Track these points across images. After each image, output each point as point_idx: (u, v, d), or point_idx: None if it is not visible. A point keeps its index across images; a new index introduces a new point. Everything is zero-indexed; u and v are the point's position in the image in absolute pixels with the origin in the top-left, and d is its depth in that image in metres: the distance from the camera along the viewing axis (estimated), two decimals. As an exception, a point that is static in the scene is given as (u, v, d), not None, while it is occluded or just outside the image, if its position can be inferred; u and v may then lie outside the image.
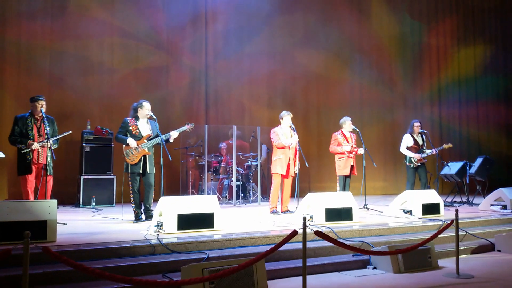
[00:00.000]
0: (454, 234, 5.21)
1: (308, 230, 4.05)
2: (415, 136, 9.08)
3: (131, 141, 6.42)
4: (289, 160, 7.67)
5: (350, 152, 8.30)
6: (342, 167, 8.32)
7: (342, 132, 8.51)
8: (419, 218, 7.10)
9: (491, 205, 8.62)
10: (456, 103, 14.91)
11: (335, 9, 13.27)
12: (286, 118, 7.76)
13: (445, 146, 9.45)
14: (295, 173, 7.72)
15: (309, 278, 4.57)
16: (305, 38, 12.70)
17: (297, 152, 7.74)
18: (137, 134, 6.52)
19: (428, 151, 9.00)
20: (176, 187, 10.82)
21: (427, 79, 14.60)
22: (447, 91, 14.83)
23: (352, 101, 13.21)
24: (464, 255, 6.06)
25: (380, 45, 13.89)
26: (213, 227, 5.65)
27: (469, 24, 15.33)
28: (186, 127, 6.70)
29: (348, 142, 8.40)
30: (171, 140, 6.65)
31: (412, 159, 8.92)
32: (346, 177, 8.35)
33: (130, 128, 6.52)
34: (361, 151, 8.38)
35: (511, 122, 15.26)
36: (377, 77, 13.74)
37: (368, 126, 12.96)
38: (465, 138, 14.86)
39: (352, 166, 8.34)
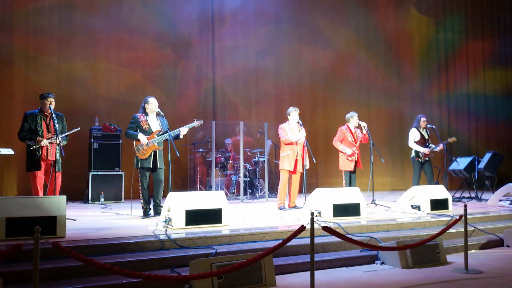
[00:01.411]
0: (463, 230, 5.19)
1: (316, 226, 4.05)
2: (421, 130, 9.04)
3: (141, 136, 6.46)
4: (296, 156, 7.67)
5: (350, 156, 8.24)
6: (346, 162, 8.30)
7: (348, 127, 8.47)
8: (427, 213, 7.08)
9: (500, 200, 8.58)
10: (465, 98, 14.79)
11: (342, 4, 13.20)
12: (294, 114, 7.75)
13: (450, 140, 9.40)
14: (303, 170, 7.71)
15: (317, 273, 4.57)
16: (312, 34, 12.65)
17: (305, 148, 7.73)
18: (147, 129, 6.57)
19: (434, 146, 8.95)
20: (184, 183, 10.86)
21: (435, 74, 14.49)
22: (455, 86, 14.71)
23: (359, 96, 13.14)
24: (473, 251, 6.04)
25: (387, 40, 13.80)
26: (221, 222, 5.67)
27: (477, 17, 15.19)
28: (195, 123, 6.72)
29: (354, 137, 8.37)
30: (181, 136, 6.67)
31: (419, 153, 8.87)
32: (351, 172, 8.34)
33: (141, 123, 6.57)
34: (362, 124, 8.35)
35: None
36: (384, 72, 13.66)
37: (375, 121, 12.90)
38: (473, 133, 14.74)
39: (356, 161, 8.31)
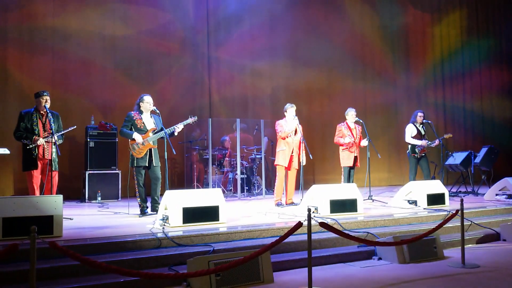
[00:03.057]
0: (460, 224, 5.21)
1: (313, 222, 4.06)
2: (417, 126, 9.06)
3: (136, 135, 6.43)
4: (292, 152, 7.67)
5: (349, 144, 8.29)
6: (346, 158, 8.36)
7: (346, 123, 8.52)
8: (424, 208, 7.11)
9: (496, 194, 8.62)
10: (461, 94, 14.82)
11: (338, 0, 13.19)
12: (290, 110, 7.75)
13: (446, 136, 9.42)
14: (300, 166, 7.71)
15: (315, 269, 4.58)
16: (308, 30, 12.65)
17: (302, 145, 7.73)
18: (142, 127, 6.54)
19: (430, 142, 8.96)
20: (181, 181, 10.85)
21: (431, 70, 14.52)
22: (451, 82, 14.74)
23: (355, 92, 13.17)
24: (470, 245, 6.06)
25: (384, 35, 13.81)
26: (218, 220, 5.67)
27: (473, 15, 15.20)
28: (189, 120, 6.70)
29: (352, 133, 8.40)
30: (176, 134, 6.66)
31: (416, 149, 8.89)
32: (350, 168, 8.37)
33: (136, 122, 6.54)
34: (364, 143, 8.40)
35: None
36: (380, 67, 13.68)
37: (372, 117, 12.92)
38: (470, 129, 14.78)
39: (355, 158, 8.36)
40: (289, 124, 7.66)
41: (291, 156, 7.68)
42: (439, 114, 14.34)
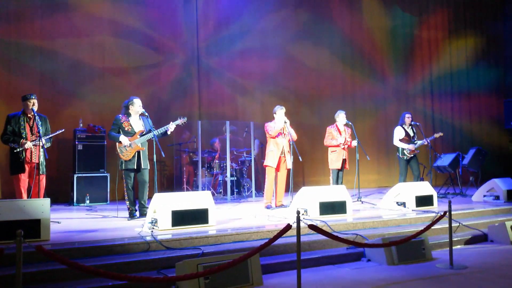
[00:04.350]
0: (448, 226, 5.25)
1: (302, 224, 4.07)
2: (406, 128, 9.12)
3: (123, 138, 6.40)
4: (281, 153, 7.68)
5: (344, 144, 8.35)
6: (334, 160, 8.39)
7: (336, 125, 8.56)
8: (412, 210, 7.15)
9: (484, 196, 8.69)
10: (449, 96, 14.95)
11: (327, 3, 13.25)
12: (279, 112, 7.76)
13: (436, 135, 9.47)
14: (289, 167, 7.71)
15: (304, 271, 4.59)
16: (297, 33, 12.68)
17: (291, 146, 7.73)
18: (129, 130, 6.51)
19: (420, 142, 9.03)
20: (170, 184, 10.81)
21: (419, 72, 14.61)
22: (439, 84, 14.85)
23: (344, 95, 13.21)
24: (458, 246, 6.11)
25: (372, 38, 13.88)
26: (207, 222, 5.65)
27: (460, 16, 15.34)
28: (179, 121, 6.67)
29: (341, 135, 8.44)
30: (168, 133, 6.64)
31: (404, 151, 8.94)
32: (338, 170, 8.41)
33: (123, 124, 6.51)
34: (354, 143, 8.44)
35: (503, 113, 15.30)
36: (369, 70, 13.75)
37: (360, 119, 12.97)
38: (457, 130, 14.90)
39: (344, 160, 8.40)
40: (278, 126, 7.67)
41: (280, 157, 7.69)
42: (428, 115, 14.43)
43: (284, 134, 7.73)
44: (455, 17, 15.26)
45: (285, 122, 7.68)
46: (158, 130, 6.52)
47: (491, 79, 15.60)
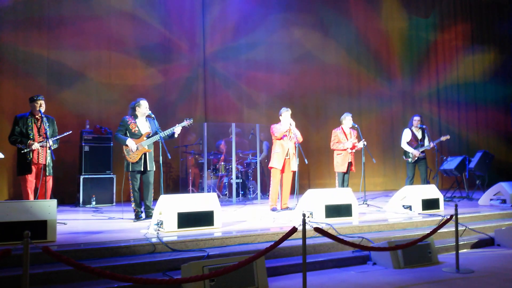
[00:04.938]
0: (454, 229, 5.22)
1: (307, 227, 4.06)
2: (414, 130, 9.09)
3: (130, 142, 6.40)
4: (286, 155, 7.68)
5: (352, 148, 8.34)
6: (340, 163, 8.37)
7: (342, 128, 8.54)
8: (418, 213, 7.12)
9: (491, 199, 8.64)
10: (455, 105, 14.83)
11: (341, 2, 13.24)
12: (285, 114, 7.76)
13: (443, 138, 9.44)
14: (295, 170, 7.70)
15: (309, 274, 4.58)
16: (304, 37, 12.67)
17: (296, 148, 7.72)
18: (136, 132, 6.53)
19: (425, 146, 9.00)
20: (176, 186, 10.83)
21: (427, 78, 14.53)
22: (445, 91, 14.72)
23: (351, 97, 13.19)
24: (464, 250, 6.07)
25: (385, 40, 13.84)
26: (213, 225, 5.66)
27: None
28: (185, 123, 6.69)
29: (347, 139, 8.42)
30: (176, 135, 6.66)
31: (409, 154, 8.93)
32: (344, 173, 8.39)
33: (130, 126, 6.53)
34: (360, 144, 8.41)
35: (510, 128, 15.19)
36: (377, 71, 13.71)
37: (367, 122, 12.96)
38: (464, 139, 14.76)
39: (350, 163, 8.38)
40: (283, 128, 7.68)
41: (285, 159, 7.69)
42: (434, 120, 14.36)
43: (290, 136, 7.73)
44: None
45: (290, 124, 7.68)
46: (164, 132, 6.53)
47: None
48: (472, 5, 15.26)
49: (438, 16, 14.70)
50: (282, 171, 7.73)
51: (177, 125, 6.61)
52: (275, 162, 7.71)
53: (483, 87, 15.24)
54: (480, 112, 15.13)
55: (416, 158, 8.92)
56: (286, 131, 7.66)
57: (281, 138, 7.69)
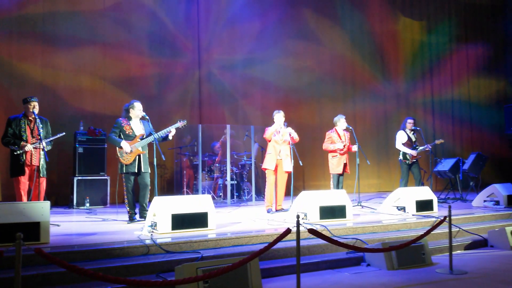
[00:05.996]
0: (448, 230, 5.24)
1: (302, 228, 4.06)
2: (408, 132, 9.12)
3: (124, 144, 6.38)
4: (278, 156, 7.69)
5: (342, 150, 8.34)
6: (335, 165, 8.37)
7: (336, 130, 8.55)
8: (412, 215, 7.14)
9: (484, 201, 8.67)
10: (449, 101, 14.91)
11: (332, 5, 13.26)
12: (277, 116, 7.77)
13: (437, 141, 9.49)
14: (287, 171, 7.70)
15: (303, 276, 4.58)
16: (299, 36, 12.69)
17: (291, 150, 7.72)
18: (130, 133, 6.51)
19: (421, 147, 9.05)
20: (171, 187, 10.81)
21: (420, 77, 14.58)
22: (439, 89, 14.82)
23: (345, 98, 13.22)
24: (458, 251, 6.10)
25: (375, 42, 13.87)
26: (207, 226, 5.65)
27: (462, 24, 15.31)
28: (178, 124, 6.68)
29: (341, 140, 8.44)
30: (170, 137, 6.64)
31: (407, 155, 8.95)
32: (339, 175, 8.39)
33: (124, 128, 6.51)
34: (354, 148, 8.43)
35: (503, 122, 15.28)
36: (371, 74, 13.75)
37: (361, 123, 12.99)
38: (457, 135, 14.87)
39: (345, 164, 8.39)
40: (271, 129, 7.71)
41: (277, 160, 7.70)
42: (428, 120, 14.42)
43: (284, 140, 7.72)
44: (458, 24, 15.23)
45: (281, 127, 7.69)
46: (158, 133, 6.52)
47: (491, 88, 15.55)
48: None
49: (424, 14, 14.75)
50: (275, 172, 7.74)
51: (169, 127, 6.61)
52: (267, 163, 7.74)
53: (477, 88, 15.34)
54: (474, 113, 15.20)
55: (414, 160, 8.95)
56: (274, 131, 7.68)
57: (271, 140, 7.72)
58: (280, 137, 7.72)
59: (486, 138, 15.20)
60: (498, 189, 8.51)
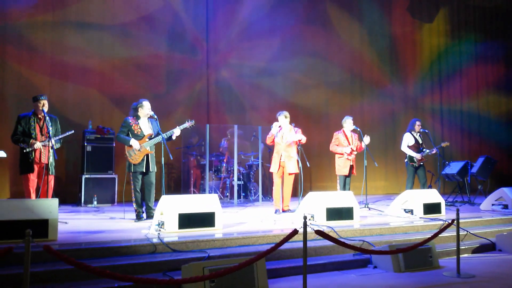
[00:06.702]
0: (455, 234, 5.21)
1: (308, 229, 4.06)
2: (415, 134, 9.08)
3: (134, 142, 6.41)
4: (281, 158, 7.69)
5: (349, 154, 8.31)
6: (342, 166, 8.36)
7: (343, 131, 8.54)
8: (420, 217, 7.11)
9: (493, 204, 8.62)
10: (458, 105, 14.80)
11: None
12: (280, 118, 7.78)
13: (443, 144, 9.45)
14: (291, 173, 7.69)
15: (310, 277, 4.57)
16: (305, 44, 12.66)
17: (299, 151, 7.72)
18: (139, 133, 6.53)
19: (428, 150, 9.00)
20: (178, 187, 10.83)
21: (427, 79, 14.49)
22: (448, 91, 14.72)
23: (353, 100, 13.18)
24: (465, 255, 6.05)
25: (383, 44, 13.83)
26: (214, 226, 5.65)
27: (462, 18, 15.18)
28: (186, 124, 6.71)
29: (349, 141, 8.42)
30: (173, 138, 6.66)
31: (414, 158, 8.91)
32: (346, 176, 8.38)
33: (132, 127, 6.53)
34: (366, 140, 8.36)
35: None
36: (378, 77, 13.70)
37: (369, 125, 12.94)
38: (466, 136, 14.74)
39: (351, 166, 8.37)
40: (272, 132, 7.74)
41: (280, 162, 7.69)
42: (436, 122, 14.34)
43: (286, 142, 7.71)
44: (458, 19, 15.09)
45: (279, 128, 7.69)
46: (166, 133, 6.54)
47: (500, 77, 15.39)
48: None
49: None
50: (280, 174, 7.75)
51: (177, 127, 6.63)
52: (272, 166, 7.84)
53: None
54: (482, 97, 15.06)
55: (421, 163, 8.92)
56: (274, 134, 7.68)
57: (272, 142, 7.77)
58: (280, 139, 7.71)
59: (494, 143, 15.02)
60: (507, 193, 8.45)
